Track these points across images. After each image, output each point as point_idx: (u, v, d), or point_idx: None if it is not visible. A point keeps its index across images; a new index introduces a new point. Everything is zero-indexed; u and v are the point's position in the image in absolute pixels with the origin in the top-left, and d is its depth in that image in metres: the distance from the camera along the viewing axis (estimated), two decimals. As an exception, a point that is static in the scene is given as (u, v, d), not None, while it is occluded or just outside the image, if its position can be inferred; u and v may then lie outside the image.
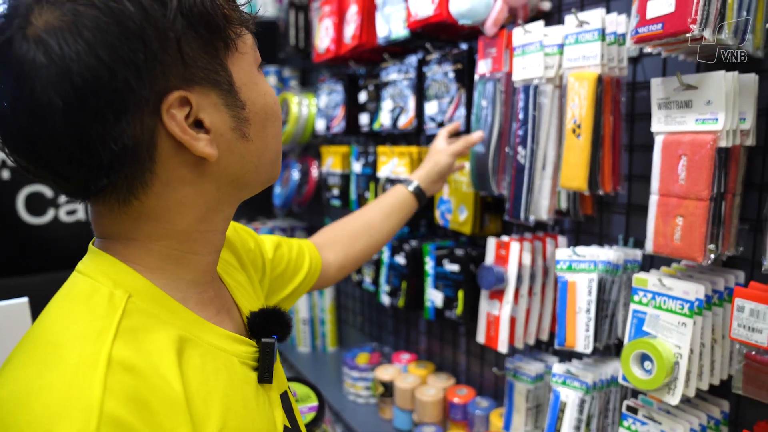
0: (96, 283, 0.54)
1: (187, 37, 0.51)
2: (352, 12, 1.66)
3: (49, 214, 2.15)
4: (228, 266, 0.76)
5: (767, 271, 0.82)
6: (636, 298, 0.96)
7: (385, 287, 1.68)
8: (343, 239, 1.13)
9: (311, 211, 2.45)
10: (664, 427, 0.93)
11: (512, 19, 1.24)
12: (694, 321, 0.89)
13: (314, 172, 2.24)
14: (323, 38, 1.83)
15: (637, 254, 1.08)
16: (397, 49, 1.64)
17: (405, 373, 1.74)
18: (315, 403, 1.18)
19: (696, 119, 0.86)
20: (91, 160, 0.50)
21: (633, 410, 0.99)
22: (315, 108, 2.12)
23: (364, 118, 1.77)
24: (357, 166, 1.80)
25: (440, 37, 1.47)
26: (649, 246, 0.93)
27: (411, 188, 1.21)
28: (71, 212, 2.19)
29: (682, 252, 0.89)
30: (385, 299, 1.67)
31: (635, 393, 1.05)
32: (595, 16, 1.01)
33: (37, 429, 0.43)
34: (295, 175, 2.26)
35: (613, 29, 1.00)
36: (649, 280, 0.94)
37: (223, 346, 0.60)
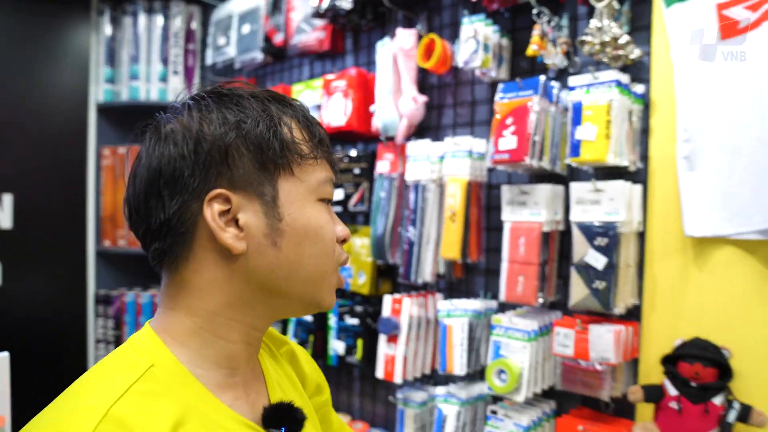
0: (131, 350, 0.62)
1: (241, 154, 0.62)
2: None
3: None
4: (280, 361, 0.81)
5: (572, 308, 1.30)
6: (494, 331, 1.40)
7: (293, 340, 1.98)
8: None
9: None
10: (515, 420, 1.36)
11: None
12: (530, 345, 1.33)
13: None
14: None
15: (493, 304, 1.54)
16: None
17: (307, 417, 2.02)
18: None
19: (530, 212, 1.35)
20: (147, 220, 0.63)
21: (494, 412, 1.41)
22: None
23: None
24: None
25: (346, 139, 1.90)
26: (502, 296, 1.39)
27: None
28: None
29: (523, 299, 1.35)
30: (295, 351, 1.98)
31: (495, 400, 1.47)
32: (465, 140, 1.49)
33: None
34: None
35: (477, 150, 1.49)
36: (503, 319, 1.39)
37: (227, 426, 0.62)
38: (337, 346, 1.86)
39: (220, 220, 0.61)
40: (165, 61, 2.65)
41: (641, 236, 1.33)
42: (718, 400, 1.18)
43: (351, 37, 1.99)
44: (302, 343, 1.95)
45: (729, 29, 1.17)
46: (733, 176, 1.18)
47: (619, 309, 1.25)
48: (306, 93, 1.98)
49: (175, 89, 2.66)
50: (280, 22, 2.11)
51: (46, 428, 0.54)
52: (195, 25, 2.71)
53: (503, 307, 1.53)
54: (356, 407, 2.03)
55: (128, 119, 2.73)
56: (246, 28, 2.27)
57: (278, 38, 2.11)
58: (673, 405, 1.22)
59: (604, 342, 1.24)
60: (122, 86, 2.62)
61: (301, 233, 0.65)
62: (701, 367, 1.19)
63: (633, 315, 1.34)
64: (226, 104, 0.64)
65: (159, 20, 2.61)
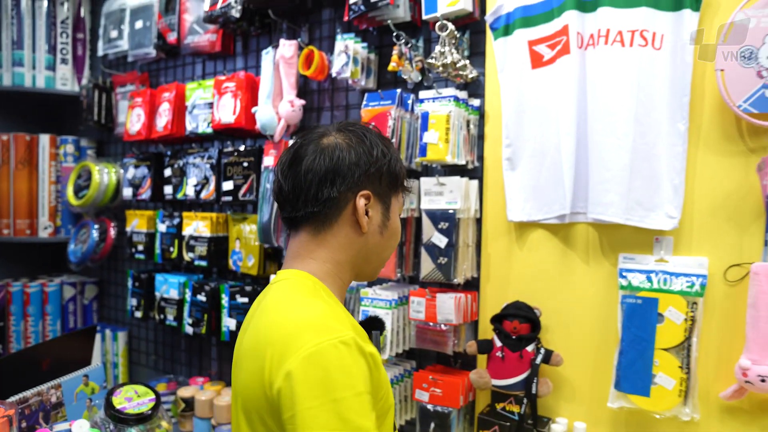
0: (301, 280, 0.94)
1: (383, 176, 0.98)
2: (164, 108, 2.19)
3: None
4: None
5: (422, 281, 1.59)
6: (363, 302, 1.67)
7: (188, 320, 2.16)
8: None
9: (105, 267, 2.77)
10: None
11: (288, 128, 1.92)
12: (392, 312, 1.61)
13: (112, 232, 2.60)
14: (134, 123, 2.29)
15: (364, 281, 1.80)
16: (200, 140, 2.21)
17: (202, 390, 2.20)
18: (153, 396, 1.63)
19: (446, 201, 1.59)
20: (316, 195, 0.93)
21: (362, 370, 1.68)
22: (115, 176, 2.52)
23: (168, 189, 2.27)
24: (162, 227, 2.27)
25: (236, 135, 2.09)
26: (368, 272, 1.65)
27: None
28: None
29: (385, 274, 1.62)
30: (189, 329, 2.15)
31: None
32: (337, 140, 1.73)
33: (338, 326, 0.83)
34: (94, 234, 2.58)
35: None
36: (369, 291, 1.66)
37: (357, 326, 0.92)
38: (229, 323, 2.06)
39: (363, 209, 0.95)
40: (52, 48, 2.67)
41: (479, 221, 1.65)
42: (530, 348, 1.52)
43: (241, 41, 2.18)
44: (197, 322, 2.13)
45: (537, 60, 1.50)
46: (541, 175, 1.52)
47: (458, 279, 1.56)
48: (198, 91, 2.14)
49: (64, 78, 2.70)
50: (174, 22, 2.25)
51: (324, 314, 0.85)
52: (84, 13, 2.74)
53: (371, 283, 1.80)
54: (248, 378, 2.24)
55: (11, 106, 2.73)
56: (139, 24, 2.37)
57: (171, 37, 2.25)
58: (499, 354, 1.54)
59: (448, 307, 1.55)
60: (3, 71, 2.61)
61: (393, 231, 1.04)
62: (518, 323, 1.52)
63: (473, 285, 1.67)
64: (381, 139, 1.00)
65: (43, 4, 2.62)
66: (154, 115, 2.25)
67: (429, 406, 1.60)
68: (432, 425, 1.59)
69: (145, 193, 2.31)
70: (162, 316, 2.28)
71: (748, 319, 1.30)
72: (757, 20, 1.28)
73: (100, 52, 2.58)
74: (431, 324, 1.60)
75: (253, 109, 1.92)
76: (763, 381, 1.27)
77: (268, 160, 1.91)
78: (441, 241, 1.53)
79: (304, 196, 0.94)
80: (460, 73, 1.56)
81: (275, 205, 1.88)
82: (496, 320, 1.57)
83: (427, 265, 1.56)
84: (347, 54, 1.68)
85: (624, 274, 1.45)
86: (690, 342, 1.39)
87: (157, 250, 2.30)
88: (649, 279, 1.42)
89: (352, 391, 0.79)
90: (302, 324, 0.84)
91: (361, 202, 0.95)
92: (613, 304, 1.48)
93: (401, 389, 1.69)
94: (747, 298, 1.30)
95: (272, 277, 1.08)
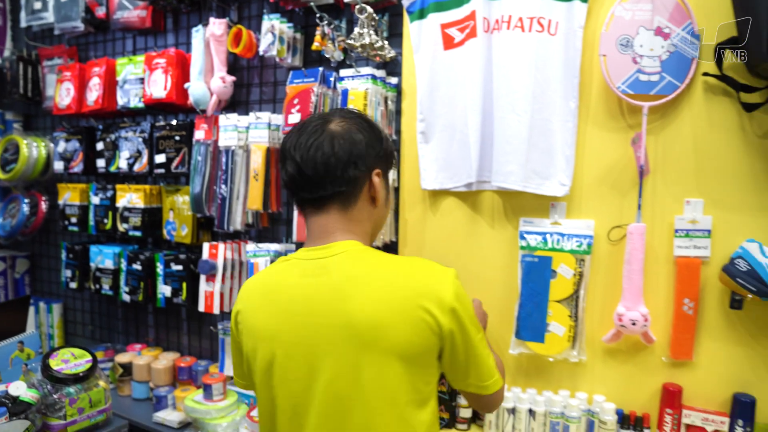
0: (367, 247, 1.04)
1: (386, 155, 1.09)
2: (95, 83, 2.21)
3: None
4: None
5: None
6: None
7: (125, 288, 2.22)
8: None
9: (36, 240, 2.77)
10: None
11: (220, 104, 2.00)
12: (317, 274, 1.74)
13: (43, 206, 2.61)
14: (64, 97, 2.31)
15: (292, 246, 1.93)
16: (131, 114, 2.25)
17: (139, 356, 2.28)
18: (89, 357, 1.71)
19: None
20: (341, 178, 1.01)
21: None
22: (45, 150, 2.52)
23: (101, 162, 2.30)
24: (96, 199, 2.31)
25: (167, 110, 2.15)
26: (295, 237, 1.78)
27: None
28: None
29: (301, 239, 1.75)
30: (126, 297, 2.22)
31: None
32: (264, 114, 1.84)
33: (446, 271, 0.99)
34: (25, 208, 2.58)
35: (274, 122, 1.84)
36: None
37: None
38: (164, 290, 2.14)
39: (378, 185, 1.07)
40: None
41: (397, 191, 1.80)
42: (442, 304, 1.69)
43: (171, 18, 2.22)
44: (134, 290, 2.20)
45: (448, 42, 1.64)
46: (451, 147, 1.68)
47: (377, 243, 1.70)
48: (129, 67, 2.18)
49: (-16, 49, 2.65)
50: (102, -4, 2.26)
51: (426, 268, 1.00)
52: (5, -19, 2.68)
53: (300, 247, 1.93)
54: (185, 344, 2.33)
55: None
56: (65, -4, 2.36)
57: (100, 11, 2.26)
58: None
59: (368, 268, 1.69)
60: None
61: (390, 202, 1.23)
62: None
63: (393, 249, 1.82)
64: (376, 126, 1.11)
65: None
66: (84, 89, 2.27)
67: (353, 360, 1.75)
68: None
69: (78, 167, 2.34)
70: (98, 286, 2.33)
71: (624, 273, 1.51)
72: (632, 13, 1.46)
73: (23, 24, 2.55)
74: (354, 284, 1.74)
75: (186, 85, 1.98)
76: (634, 324, 1.48)
77: (199, 134, 1.99)
78: (361, 208, 1.67)
79: (332, 177, 1.02)
80: (379, 53, 1.68)
81: (207, 176, 1.96)
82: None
83: (349, 231, 1.70)
84: (273, 33, 1.77)
85: (524, 235, 1.63)
86: (578, 294, 1.59)
87: (91, 222, 2.34)
88: (545, 240, 1.61)
89: (473, 312, 1.03)
90: (429, 272, 1.00)
91: (376, 179, 1.06)
92: (514, 262, 1.66)
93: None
94: (624, 254, 1.51)
95: (288, 253, 1.15)
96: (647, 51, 1.45)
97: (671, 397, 1.49)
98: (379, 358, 0.94)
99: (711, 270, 1.45)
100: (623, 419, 1.53)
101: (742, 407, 1.43)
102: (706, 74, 1.41)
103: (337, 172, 1.01)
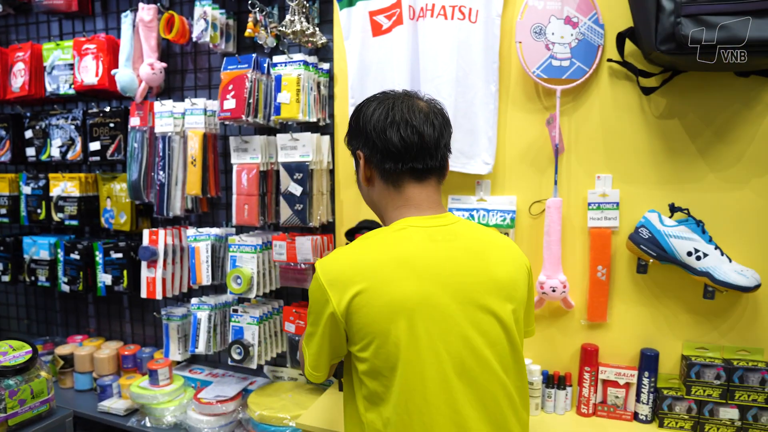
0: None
1: (373, 145, 1.09)
2: (19, 68, 2.16)
3: None
4: None
5: (283, 226, 1.79)
6: (231, 249, 1.84)
7: (63, 279, 2.21)
8: None
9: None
10: (251, 314, 1.83)
11: (151, 90, 2.01)
12: (257, 255, 1.80)
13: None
14: (-13, 85, 2.24)
15: (232, 230, 1.97)
16: (62, 101, 2.22)
17: (81, 346, 2.27)
18: (29, 348, 1.71)
19: (250, 157, 1.78)
20: (446, 150, 1.14)
21: (236, 311, 1.87)
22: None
23: (30, 151, 2.26)
24: (27, 189, 2.27)
25: (100, 96, 2.13)
26: (234, 221, 1.82)
27: None
28: None
29: (248, 222, 1.80)
30: (65, 287, 2.20)
31: (239, 302, 1.93)
32: (200, 101, 1.86)
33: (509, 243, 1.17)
34: (-50, 199, 2.49)
35: (210, 108, 1.87)
36: (236, 239, 1.83)
37: None
38: (105, 279, 2.14)
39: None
40: None
41: (332, 172, 1.87)
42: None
43: (100, 1, 2.19)
44: (73, 280, 2.19)
45: (377, 29, 1.71)
46: (382, 130, 1.75)
47: (314, 223, 1.77)
48: (57, 52, 2.14)
49: None
50: (24, -22, 2.20)
51: (504, 241, 1.14)
52: None
53: (240, 231, 1.98)
54: (128, 333, 2.34)
55: None
56: (-18, -23, 2.28)
57: (22, -6, 2.20)
58: (352, 286, 1.79)
59: (306, 248, 1.76)
60: None
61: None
62: (366, 231, 1.76)
63: (331, 229, 1.89)
64: None
65: None
66: (7, 75, 2.21)
67: (296, 336, 1.82)
68: (299, 353, 1.82)
69: (5, 156, 2.28)
70: (33, 278, 2.30)
71: (544, 244, 1.64)
72: (544, 3, 1.57)
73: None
74: (292, 264, 1.81)
75: (113, 72, 1.98)
76: (554, 291, 1.61)
77: (135, 121, 1.99)
78: (297, 189, 1.73)
79: (443, 147, 1.11)
80: (310, 39, 1.74)
81: (144, 162, 1.97)
82: (350, 234, 1.77)
83: (285, 212, 1.76)
84: (206, 20, 1.79)
85: (453, 212, 1.73)
86: (503, 265, 1.71)
87: (23, 213, 2.30)
88: (472, 216, 1.71)
89: None
90: (513, 246, 1.17)
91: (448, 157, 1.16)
92: (445, 238, 1.76)
93: (271, 325, 1.90)
94: (543, 227, 1.64)
95: (229, 237, 1.17)
96: (558, 38, 1.57)
97: (589, 356, 1.64)
98: (516, 307, 1.08)
99: (620, 239, 1.60)
100: (548, 379, 1.67)
101: (647, 360, 1.58)
102: (610, 60, 1.54)
103: (448, 143, 1.13)
